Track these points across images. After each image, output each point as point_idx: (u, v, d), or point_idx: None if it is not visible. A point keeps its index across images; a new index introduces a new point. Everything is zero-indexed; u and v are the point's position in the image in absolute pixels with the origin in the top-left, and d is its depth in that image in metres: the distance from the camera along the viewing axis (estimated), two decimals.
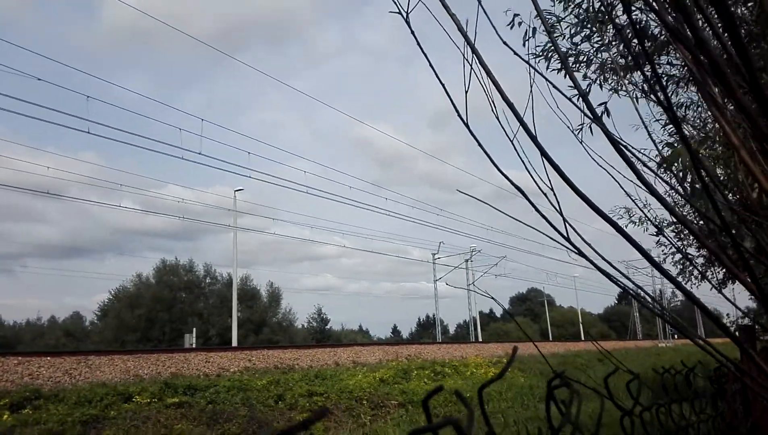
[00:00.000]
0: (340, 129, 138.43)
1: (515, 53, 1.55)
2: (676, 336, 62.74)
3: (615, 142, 1.68)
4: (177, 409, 11.93)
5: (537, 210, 1.39)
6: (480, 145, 1.42)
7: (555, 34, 6.42)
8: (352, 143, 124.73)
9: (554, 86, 1.50)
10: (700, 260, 10.74)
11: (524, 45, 4.37)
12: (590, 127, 4.97)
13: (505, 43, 1.48)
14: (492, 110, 1.67)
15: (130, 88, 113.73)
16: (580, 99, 1.61)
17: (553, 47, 6.64)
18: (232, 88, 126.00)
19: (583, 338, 60.15)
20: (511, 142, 1.56)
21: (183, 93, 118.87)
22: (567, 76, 4.17)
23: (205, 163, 62.15)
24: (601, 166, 2.15)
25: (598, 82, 6.99)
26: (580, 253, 1.35)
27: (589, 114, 1.47)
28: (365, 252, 71.50)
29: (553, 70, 6.75)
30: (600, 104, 6.23)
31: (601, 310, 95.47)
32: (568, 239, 1.35)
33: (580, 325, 69.62)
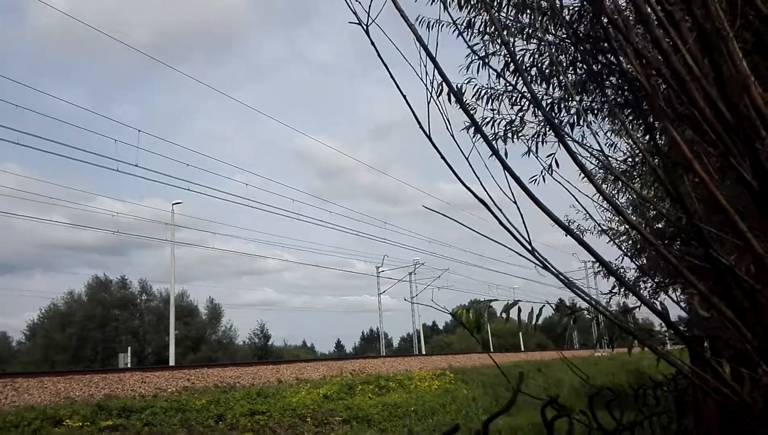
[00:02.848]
0: (282, 141, 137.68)
1: (439, 71, 1.54)
2: (609, 345, 64.50)
3: (572, 154, 1.69)
4: (111, 432, 11.42)
5: (501, 223, 1.38)
6: (443, 158, 1.40)
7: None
8: (294, 155, 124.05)
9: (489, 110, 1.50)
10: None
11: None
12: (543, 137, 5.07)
13: (433, 60, 1.47)
14: (447, 127, 1.66)
15: (64, 97, 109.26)
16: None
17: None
18: (171, 99, 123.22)
19: (523, 349, 61.37)
20: (467, 158, 1.55)
21: (119, 103, 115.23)
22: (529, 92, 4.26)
23: (142, 176, 60.29)
24: (556, 180, 2.17)
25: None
26: (545, 265, 1.35)
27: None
28: (308, 266, 70.88)
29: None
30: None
31: (540, 320, 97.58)
32: (532, 252, 1.34)
33: (520, 335, 70.98)
